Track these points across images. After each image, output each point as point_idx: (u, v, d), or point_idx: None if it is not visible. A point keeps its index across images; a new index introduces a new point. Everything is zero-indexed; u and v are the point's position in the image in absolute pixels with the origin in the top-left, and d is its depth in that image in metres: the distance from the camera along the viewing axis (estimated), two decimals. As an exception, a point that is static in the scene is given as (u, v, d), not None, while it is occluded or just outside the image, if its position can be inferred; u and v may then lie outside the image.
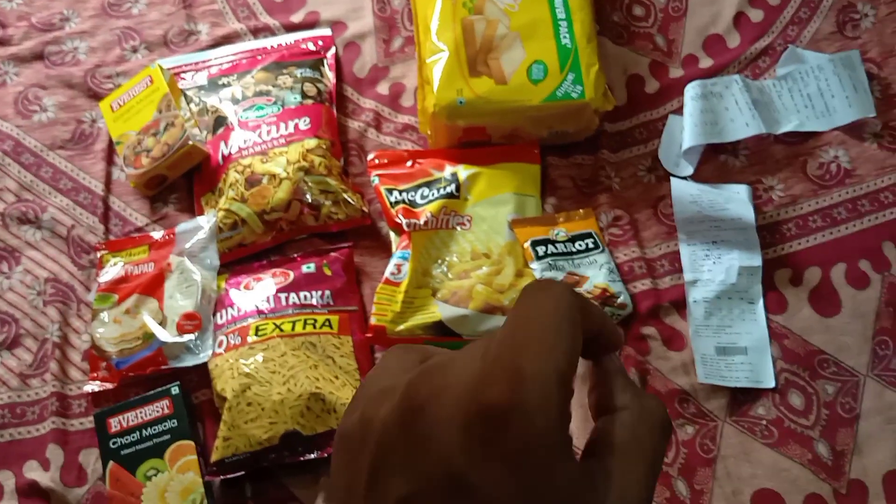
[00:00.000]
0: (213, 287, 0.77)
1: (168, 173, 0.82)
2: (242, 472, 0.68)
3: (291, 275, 0.77)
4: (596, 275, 0.75)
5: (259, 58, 0.88)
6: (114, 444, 0.70)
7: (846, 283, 0.75)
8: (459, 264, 0.75)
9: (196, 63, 0.89)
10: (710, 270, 0.75)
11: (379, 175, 0.80)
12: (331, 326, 0.74)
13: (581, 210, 0.80)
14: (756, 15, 0.88)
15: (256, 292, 0.76)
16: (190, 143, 0.80)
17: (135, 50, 0.91)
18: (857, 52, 0.83)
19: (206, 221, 0.79)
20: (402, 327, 0.72)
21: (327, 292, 0.76)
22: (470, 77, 0.76)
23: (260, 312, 0.74)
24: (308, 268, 0.77)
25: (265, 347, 0.71)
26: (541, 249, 0.75)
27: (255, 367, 0.70)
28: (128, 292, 0.77)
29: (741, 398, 0.72)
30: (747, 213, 0.75)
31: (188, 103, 0.85)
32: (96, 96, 0.88)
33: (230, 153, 0.81)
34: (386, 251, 0.79)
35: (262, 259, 0.80)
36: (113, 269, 0.79)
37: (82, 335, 0.78)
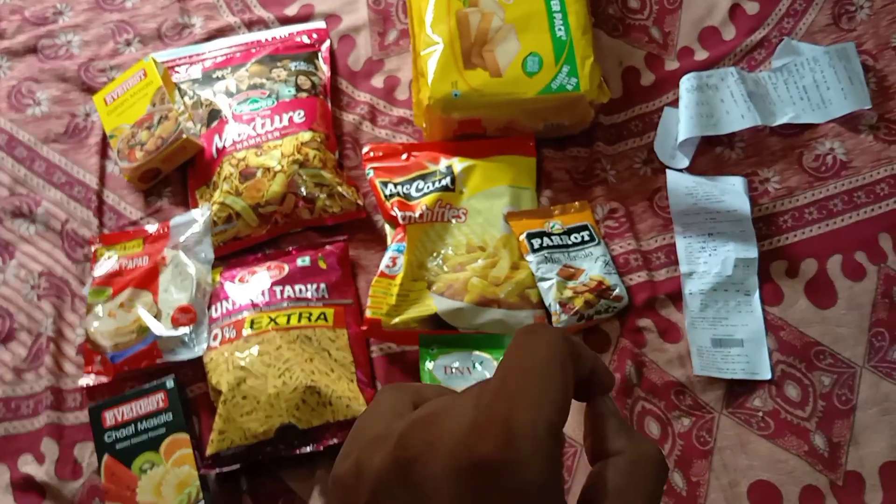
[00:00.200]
0: (207, 280, 0.77)
1: (162, 167, 0.82)
2: (238, 466, 0.68)
3: (286, 268, 0.76)
4: (592, 267, 0.74)
5: (253, 51, 0.87)
6: (109, 437, 0.70)
7: (842, 275, 0.75)
8: (455, 257, 0.75)
9: (190, 56, 0.89)
10: (706, 262, 0.75)
11: (374, 168, 0.80)
12: (326, 320, 0.74)
13: (577, 203, 0.79)
14: (751, 7, 0.88)
15: (251, 286, 0.75)
16: (184, 136, 0.80)
17: (128, 43, 0.91)
18: (853, 44, 0.82)
19: (200, 215, 0.79)
20: (397, 320, 0.72)
21: (322, 285, 0.76)
22: (465, 70, 0.76)
23: (255, 306, 0.74)
24: (303, 261, 0.77)
25: (260, 341, 0.71)
26: (536, 242, 0.75)
27: (251, 360, 0.70)
28: (122, 286, 0.77)
29: (737, 390, 0.72)
30: (743, 205, 0.75)
31: (182, 97, 0.85)
32: (90, 90, 0.88)
33: (224, 146, 0.81)
34: (381, 244, 0.79)
35: (257, 252, 0.79)
36: (107, 263, 0.78)
37: (77, 329, 0.77)
